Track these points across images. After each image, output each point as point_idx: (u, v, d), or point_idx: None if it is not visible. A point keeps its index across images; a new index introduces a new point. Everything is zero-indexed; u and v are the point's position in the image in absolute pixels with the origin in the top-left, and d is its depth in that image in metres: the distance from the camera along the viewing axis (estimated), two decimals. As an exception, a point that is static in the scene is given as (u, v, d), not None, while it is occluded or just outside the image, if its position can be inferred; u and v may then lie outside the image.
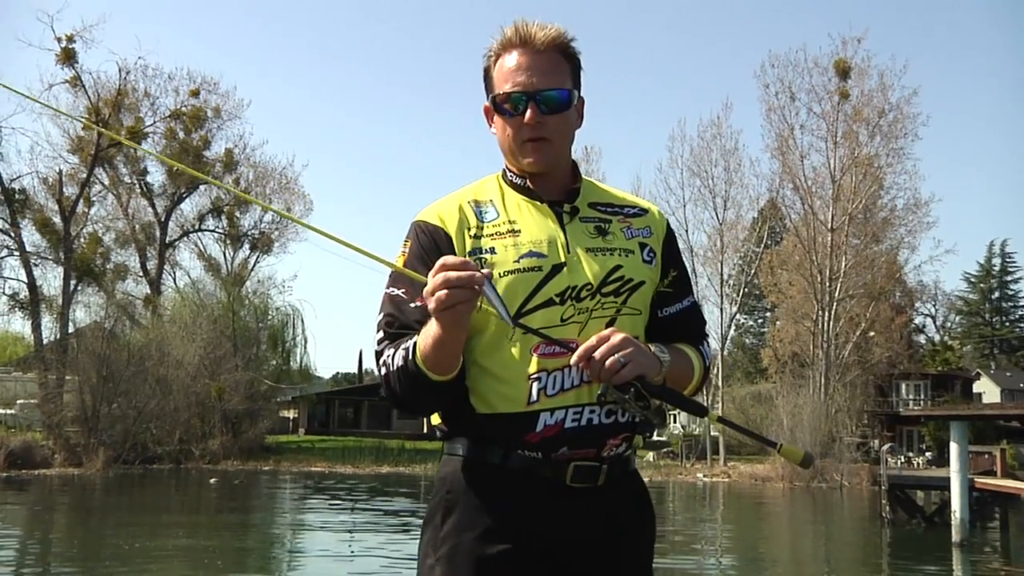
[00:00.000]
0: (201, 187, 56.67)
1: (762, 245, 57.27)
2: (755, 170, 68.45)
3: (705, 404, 2.37)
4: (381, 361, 2.25)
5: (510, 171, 2.44)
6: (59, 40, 46.36)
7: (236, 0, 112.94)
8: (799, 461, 2.26)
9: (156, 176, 55.73)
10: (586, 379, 2.21)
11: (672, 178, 71.28)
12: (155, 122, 53.12)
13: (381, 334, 2.28)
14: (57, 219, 47.45)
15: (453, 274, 1.96)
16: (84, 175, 49.06)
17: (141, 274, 55.33)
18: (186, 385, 43.62)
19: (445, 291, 1.95)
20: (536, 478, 2.24)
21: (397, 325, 2.26)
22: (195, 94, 53.93)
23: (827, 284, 50.26)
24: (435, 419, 2.40)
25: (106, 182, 53.75)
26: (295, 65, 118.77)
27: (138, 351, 42.09)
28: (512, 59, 2.34)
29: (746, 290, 58.98)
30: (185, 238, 58.41)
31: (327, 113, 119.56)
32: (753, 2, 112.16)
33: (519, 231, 2.32)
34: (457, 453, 2.33)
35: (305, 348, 53.92)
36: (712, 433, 52.92)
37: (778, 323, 61.52)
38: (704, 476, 47.40)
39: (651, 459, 53.29)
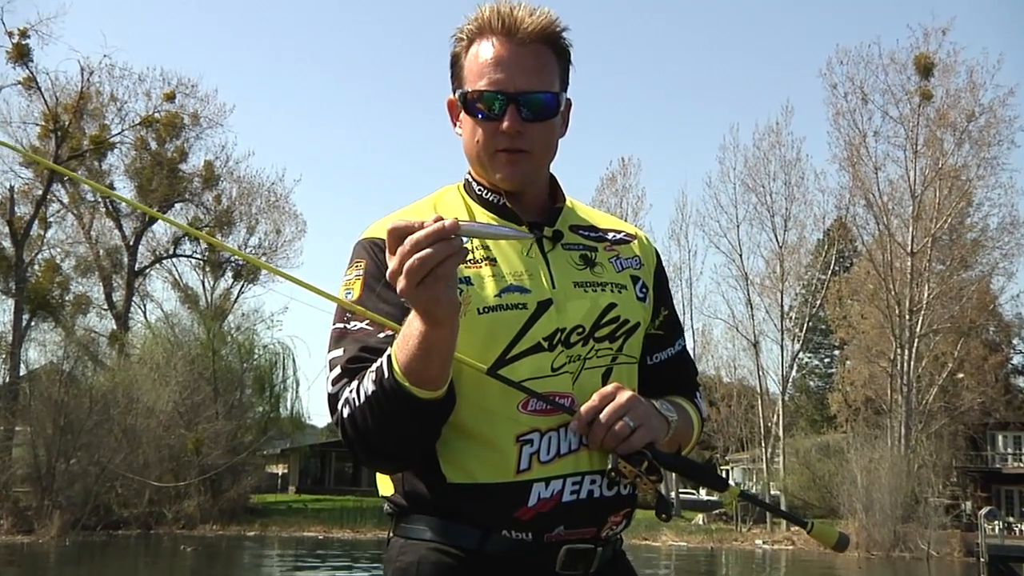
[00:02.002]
0: (177, 206, 56.52)
1: (829, 271, 56.94)
2: (820, 184, 67.85)
3: (724, 476, 2.29)
4: (342, 401, 2.06)
5: (478, 184, 2.34)
6: (11, 35, 46.15)
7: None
8: (833, 544, 2.19)
9: (124, 193, 55.68)
10: (586, 441, 2.12)
11: (723, 194, 70.45)
12: (123, 130, 53.18)
13: (338, 371, 2.11)
14: (7, 243, 47.51)
15: (420, 233, 1.77)
16: (39, 192, 49.05)
17: (106, 307, 55.26)
18: (158, 436, 43.14)
19: (418, 255, 1.76)
20: (519, 566, 2.12)
21: (362, 361, 2.08)
22: (170, 98, 53.76)
23: (907, 317, 49.59)
24: (386, 489, 2.27)
25: (65, 200, 53.86)
26: (287, 64, 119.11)
27: (102, 397, 41.75)
28: (489, 49, 2.23)
29: (810, 324, 58.58)
30: (157, 265, 58.48)
31: (324, 120, 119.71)
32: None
33: (495, 259, 2.21)
34: (420, 536, 2.17)
35: (297, 392, 53.52)
36: (773, 491, 52.35)
37: (848, 363, 61.23)
38: (764, 543, 47.11)
39: (701, 522, 52.76)
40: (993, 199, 51.10)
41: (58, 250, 53.15)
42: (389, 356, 1.96)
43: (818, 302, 57.27)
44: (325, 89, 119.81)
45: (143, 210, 52.56)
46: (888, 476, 43.08)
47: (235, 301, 58.54)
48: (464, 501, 2.13)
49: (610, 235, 2.41)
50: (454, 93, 2.31)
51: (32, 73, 47.37)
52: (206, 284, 59.20)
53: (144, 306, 58.40)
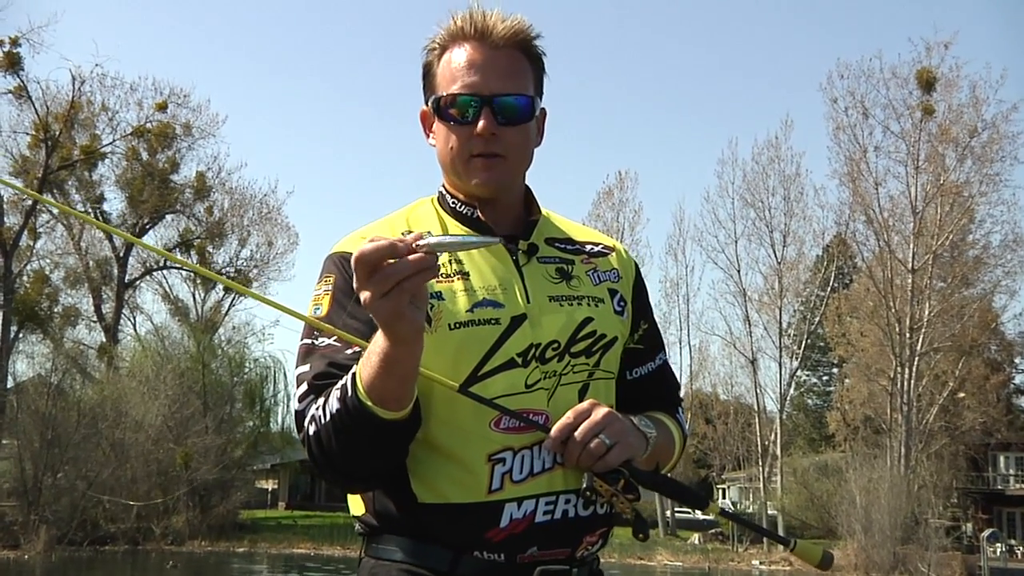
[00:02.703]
0: (167, 217, 56.33)
1: (828, 288, 56.65)
2: (820, 200, 67.95)
3: (703, 494, 2.29)
4: (308, 418, 2.05)
5: (452, 196, 2.34)
6: (1, 43, 45.79)
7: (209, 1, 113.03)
8: (817, 562, 2.21)
9: (115, 204, 55.63)
10: (560, 460, 2.12)
11: (722, 209, 69.75)
12: (115, 140, 52.77)
13: (304, 388, 2.11)
14: (-5, 254, 46.81)
15: (384, 242, 1.76)
16: (29, 202, 48.61)
17: (95, 319, 55.11)
18: (146, 451, 42.88)
19: (384, 272, 1.75)
20: None
21: (330, 377, 2.07)
22: (162, 107, 53.36)
23: (907, 335, 49.21)
24: (357, 508, 2.26)
25: (55, 211, 53.29)
26: (281, 75, 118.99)
27: (90, 410, 41.52)
28: (462, 54, 2.24)
29: (809, 341, 58.15)
30: (147, 277, 58.26)
31: (318, 131, 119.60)
32: (817, 2, 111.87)
33: (468, 273, 2.20)
34: (391, 557, 2.16)
35: (288, 407, 53.23)
36: (769, 511, 52.16)
37: (847, 381, 60.96)
38: (761, 564, 46.81)
39: (696, 542, 52.61)
40: (995, 216, 50.78)
41: (47, 261, 53.11)
42: (354, 374, 1.94)
43: (817, 319, 57.00)
44: (319, 101, 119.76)
45: (123, 236, 52.52)
46: (888, 496, 42.65)
47: (226, 314, 58.41)
48: (435, 521, 2.11)
49: (587, 248, 2.41)
50: (427, 103, 2.32)
51: (23, 82, 47.14)
52: (196, 296, 59.13)
53: (134, 318, 58.35)
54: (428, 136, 2.36)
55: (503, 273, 2.23)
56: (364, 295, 1.78)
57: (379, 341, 1.87)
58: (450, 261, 2.20)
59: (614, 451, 2.07)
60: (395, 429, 1.97)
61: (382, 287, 1.76)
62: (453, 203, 2.32)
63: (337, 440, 1.98)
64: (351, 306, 2.09)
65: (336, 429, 1.97)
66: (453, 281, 2.18)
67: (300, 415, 2.08)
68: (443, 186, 2.36)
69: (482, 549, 2.10)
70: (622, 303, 2.38)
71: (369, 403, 1.91)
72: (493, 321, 2.15)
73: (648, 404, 2.41)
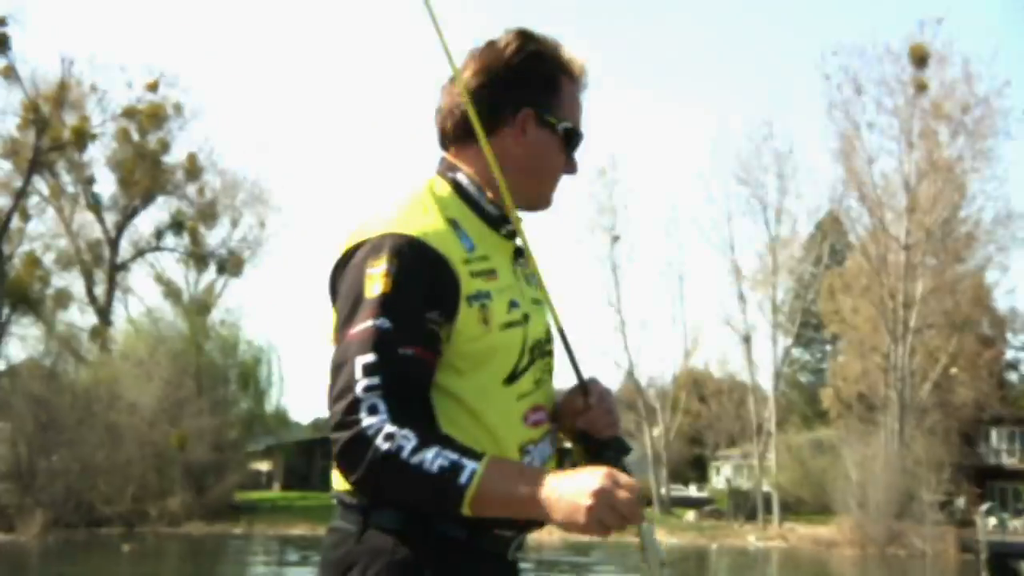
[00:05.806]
0: (159, 199, 56.16)
1: (821, 265, 57.00)
2: (813, 177, 67.41)
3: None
4: (384, 433, 1.91)
5: (485, 195, 2.23)
6: (-13, 23, 45.64)
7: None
8: None
9: (106, 186, 55.42)
10: (555, 447, 2.26)
11: (715, 187, 70.05)
12: (105, 121, 52.68)
13: (375, 380, 1.95)
14: (-13, 236, 46.69)
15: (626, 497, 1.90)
16: (19, 184, 48.70)
17: (87, 301, 55.03)
18: (141, 433, 43.00)
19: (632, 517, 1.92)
20: (492, 556, 2.17)
21: (408, 391, 1.99)
22: (152, 88, 53.40)
23: (900, 312, 49.52)
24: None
25: (46, 192, 53.49)
26: (274, 54, 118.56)
27: (84, 393, 41.69)
28: (574, 94, 2.32)
29: (802, 319, 58.23)
30: (140, 258, 58.12)
31: (311, 111, 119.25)
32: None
33: (494, 271, 2.16)
34: (402, 528, 2.06)
35: (282, 388, 53.28)
36: (764, 488, 52.28)
37: (841, 358, 61.18)
38: (756, 540, 46.76)
39: (692, 519, 52.63)
40: (988, 192, 51.07)
41: (39, 243, 53.00)
42: (476, 473, 1.90)
43: (810, 296, 57.09)
44: (312, 81, 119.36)
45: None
46: (882, 472, 43.02)
47: (219, 296, 58.31)
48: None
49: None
50: (532, 106, 2.23)
51: (11, 63, 47.13)
52: (188, 279, 58.97)
53: (126, 300, 58.35)
54: (522, 135, 2.24)
55: (511, 272, 2.25)
56: (604, 517, 1.88)
57: (530, 507, 1.93)
58: (484, 256, 2.15)
59: (617, 423, 2.25)
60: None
61: (617, 523, 1.91)
62: (478, 198, 2.23)
63: (404, 488, 1.95)
64: (420, 303, 2.01)
65: (413, 483, 1.92)
66: (490, 280, 2.14)
67: (370, 409, 1.94)
68: (470, 175, 2.24)
69: (500, 528, 2.13)
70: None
71: (466, 509, 1.92)
72: (521, 321, 2.19)
73: None
